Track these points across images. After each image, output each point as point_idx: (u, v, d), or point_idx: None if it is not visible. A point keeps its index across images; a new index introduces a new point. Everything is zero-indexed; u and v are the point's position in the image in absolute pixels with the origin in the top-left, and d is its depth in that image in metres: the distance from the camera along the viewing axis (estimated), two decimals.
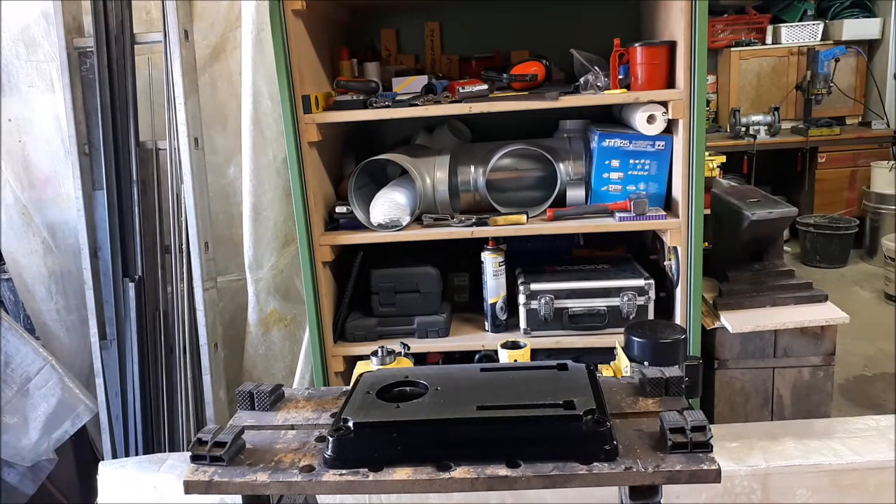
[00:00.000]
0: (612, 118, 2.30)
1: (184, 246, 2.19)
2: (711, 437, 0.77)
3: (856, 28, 4.98)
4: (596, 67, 2.06)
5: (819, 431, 1.65)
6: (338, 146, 2.36)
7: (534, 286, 2.08)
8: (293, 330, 2.41)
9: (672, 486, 0.76)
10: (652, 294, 2.06)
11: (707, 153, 1.97)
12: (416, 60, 2.51)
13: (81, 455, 2.43)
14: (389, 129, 2.55)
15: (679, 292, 2.02)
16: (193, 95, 2.17)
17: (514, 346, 1.52)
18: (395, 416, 0.80)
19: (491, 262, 2.12)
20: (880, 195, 4.63)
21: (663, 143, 2.00)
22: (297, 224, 2.04)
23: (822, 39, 5.05)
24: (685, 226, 1.96)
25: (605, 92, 1.98)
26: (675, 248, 1.99)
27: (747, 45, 5.09)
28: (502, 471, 0.75)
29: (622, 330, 1.53)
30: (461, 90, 1.99)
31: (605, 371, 1.45)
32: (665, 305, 2.11)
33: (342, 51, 2.29)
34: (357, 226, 2.08)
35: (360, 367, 1.46)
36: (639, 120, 1.98)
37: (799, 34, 5.09)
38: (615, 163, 2.05)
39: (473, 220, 2.05)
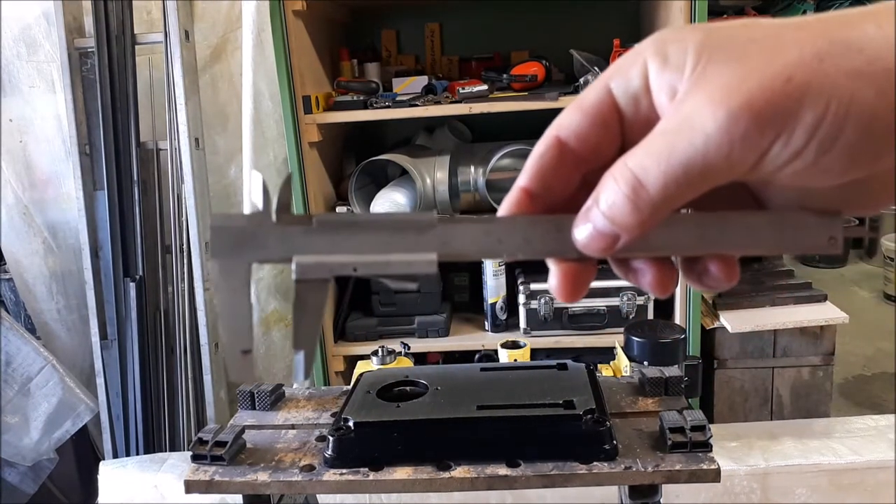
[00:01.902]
0: None
1: (185, 246, 2.19)
2: (711, 436, 0.77)
3: None
4: (596, 68, 2.06)
5: (818, 431, 1.64)
6: (338, 146, 2.36)
7: (534, 286, 2.09)
8: None
9: (672, 486, 0.77)
10: (651, 294, 2.06)
11: None
12: (417, 61, 2.51)
13: (82, 455, 2.43)
14: (389, 130, 2.56)
15: (678, 292, 2.02)
16: (194, 96, 2.17)
17: (513, 345, 1.53)
18: (395, 416, 0.80)
19: (491, 261, 2.13)
20: None
21: None
22: None
23: None
24: None
25: None
26: None
27: None
28: (502, 470, 0.76)
29: (622, 330, 1.54)
30: (461, 91, 1.99)
31: (605, 371, 1.45)
32: (664, 305, 2.11)
33: (342, 51, 2.29)
34: None
35: (361, 367, 1.46)
36: None
37: None
38: None
39: None
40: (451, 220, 0.38)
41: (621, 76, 0.35)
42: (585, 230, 0.36)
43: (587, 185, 0.36)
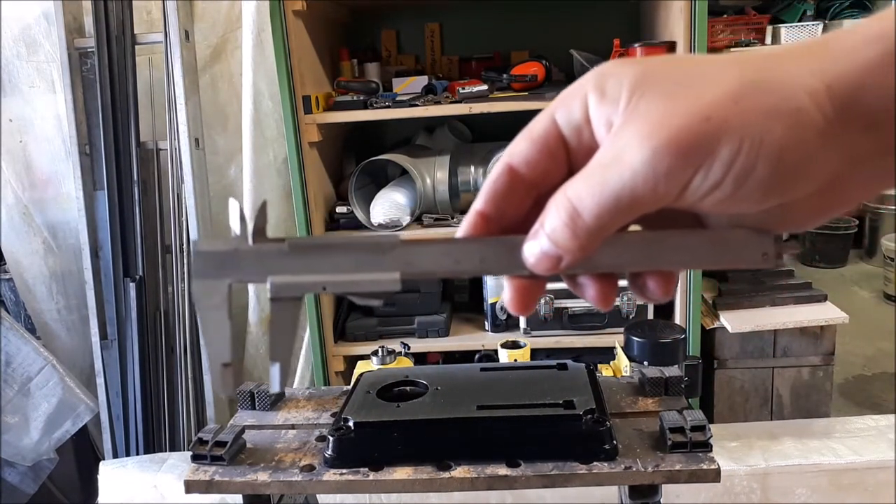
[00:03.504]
0: None
1: (184, 246, 2.19)
2: (711, 436, 0.77)
3: None
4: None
5: (818, 431, 1.64)
6: (338, 146, 2.36)
7: None
8: None
9: (672, 486, 0.77)
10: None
11: None
12: (417, 61, 2.52)
13: (82, 454, 2.44)
14: (389, 130, 2.56)
15: (678, 292, 2.02)
16: (194, 96, 2.17)
17: (514, 345, 1.53)
18: (395, 416, 0.80)
19: None
20: (879, 195, 4.63)
21: None
22: (298, 224, 2.04)
23: None
24: None
25: None
26: None
27: (747, 45, 5.07)
28: (502, 470, 0.76)
29: (622, 330, 1.54)
30: (461, 90, 1.99)
31: (605, 371, 1.45)
32: (665, 305, 2.11)
33: (342, 51, 2.29)
34: (357, 226, 2.08)
35: (361, 367, 1.46)
36: None
37: (798, 34, 5.06)
38: None
39: None
40: (414, 241, 0.42)
41: (565, 108, 0.38)
42: (533, 250, 0.39)
43: (539, 206, 0.39)
